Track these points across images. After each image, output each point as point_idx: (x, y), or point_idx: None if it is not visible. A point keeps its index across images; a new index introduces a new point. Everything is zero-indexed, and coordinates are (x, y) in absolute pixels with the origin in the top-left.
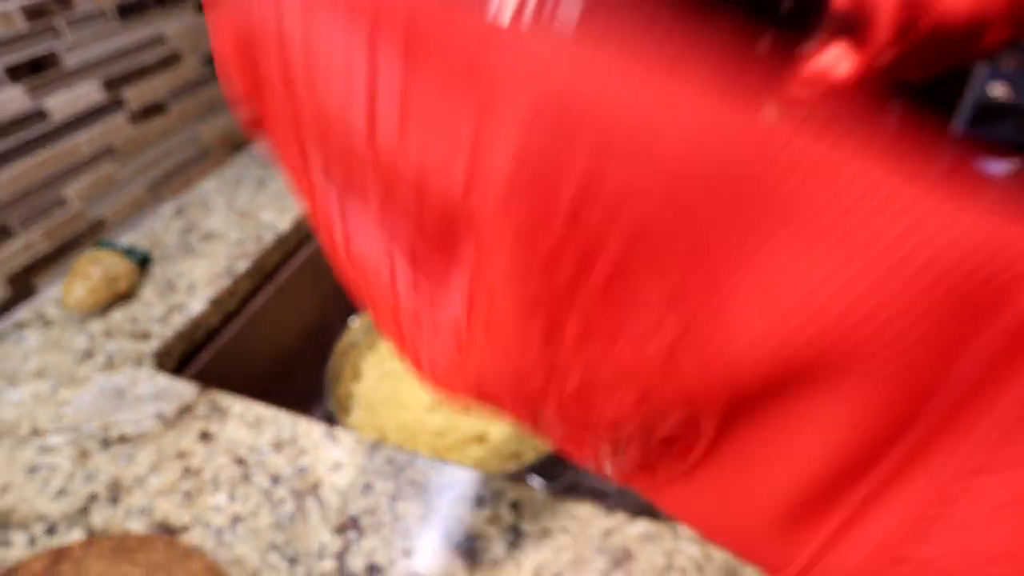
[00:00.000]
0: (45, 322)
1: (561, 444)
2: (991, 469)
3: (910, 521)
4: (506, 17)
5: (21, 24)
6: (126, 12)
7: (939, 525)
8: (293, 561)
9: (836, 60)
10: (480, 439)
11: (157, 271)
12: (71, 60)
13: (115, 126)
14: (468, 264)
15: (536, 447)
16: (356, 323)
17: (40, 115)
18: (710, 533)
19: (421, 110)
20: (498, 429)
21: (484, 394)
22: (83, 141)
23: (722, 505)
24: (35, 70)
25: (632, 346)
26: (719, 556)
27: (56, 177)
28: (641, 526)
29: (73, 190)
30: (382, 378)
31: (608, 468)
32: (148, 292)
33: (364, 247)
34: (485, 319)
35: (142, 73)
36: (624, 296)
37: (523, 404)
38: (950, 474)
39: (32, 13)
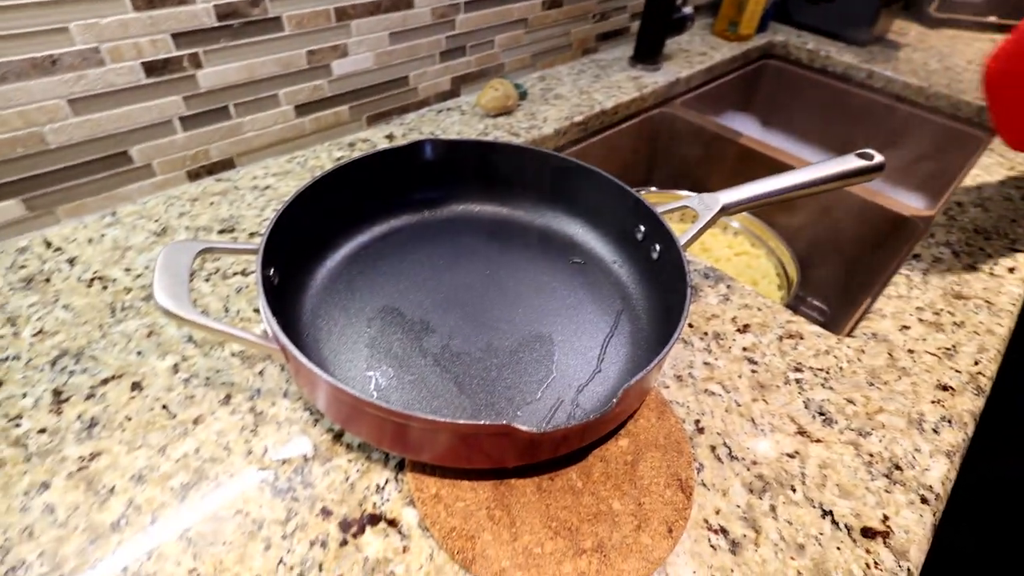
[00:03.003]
0: (462, 112)
1: None
2: None
3: None
4: None
5: None
6: None
7: None
8: None
9: None
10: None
11: (527, 105)
12: None
13: (533, 6)
14: None
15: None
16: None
17: None
18: None
19: None
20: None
21: None
22: (514, 8)
23: None
24: None
25: None
26: (866, 360)
27: (492, 27)
28: (816, 328)
29: (498, 39)
30: None
31: None
32: (519, 113)
33: None
34: None
35: None
36: None
37: None
38: None
39: None
